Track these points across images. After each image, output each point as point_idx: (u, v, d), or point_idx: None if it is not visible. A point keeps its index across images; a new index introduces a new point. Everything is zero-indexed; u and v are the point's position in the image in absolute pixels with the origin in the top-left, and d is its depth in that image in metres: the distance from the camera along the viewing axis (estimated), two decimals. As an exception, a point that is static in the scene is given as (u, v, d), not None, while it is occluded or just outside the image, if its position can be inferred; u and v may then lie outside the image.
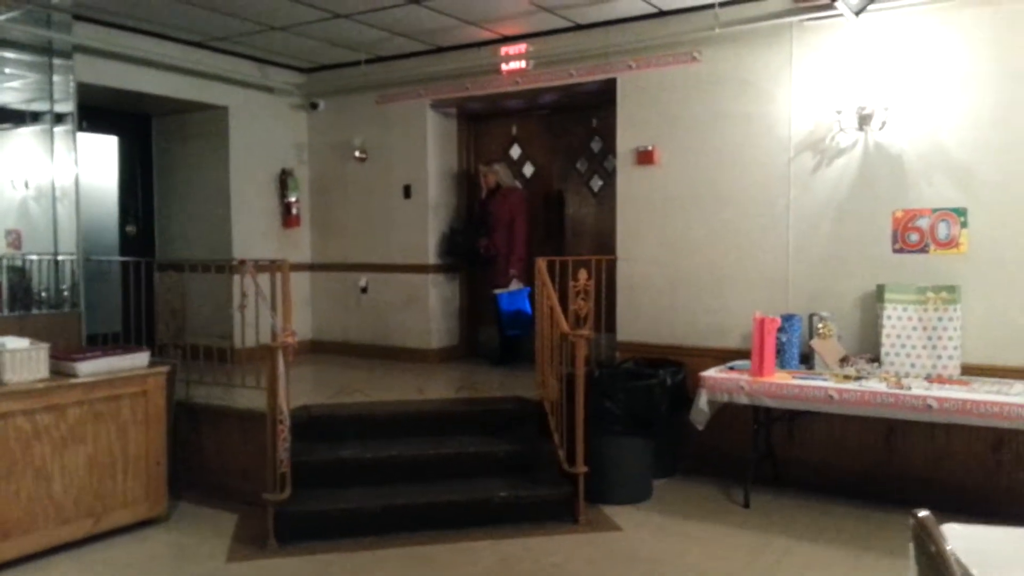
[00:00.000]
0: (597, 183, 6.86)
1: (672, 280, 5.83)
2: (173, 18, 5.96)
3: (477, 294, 7.31)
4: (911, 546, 2.10)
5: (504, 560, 4.18)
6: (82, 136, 5.86)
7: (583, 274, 5.50)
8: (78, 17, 5.74)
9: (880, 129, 5.04)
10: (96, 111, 6.43)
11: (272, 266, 4.93)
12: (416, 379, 6.30)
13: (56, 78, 5.63)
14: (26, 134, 5.64)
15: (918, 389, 4.42)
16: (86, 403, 4.30)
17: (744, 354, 5.24)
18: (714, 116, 5.63)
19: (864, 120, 5.05)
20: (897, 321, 4.92)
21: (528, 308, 6.55)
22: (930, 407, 4.30)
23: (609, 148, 6.50)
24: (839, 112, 5.13)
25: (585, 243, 6.79)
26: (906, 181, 5.02)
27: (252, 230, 7.20)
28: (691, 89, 5.72)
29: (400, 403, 5.53)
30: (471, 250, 6.88)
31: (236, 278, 5.60)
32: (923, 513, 1.80)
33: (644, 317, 5.95)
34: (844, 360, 4.97)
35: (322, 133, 7.67)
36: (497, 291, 6.67)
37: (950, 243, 4.93)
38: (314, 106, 7.58)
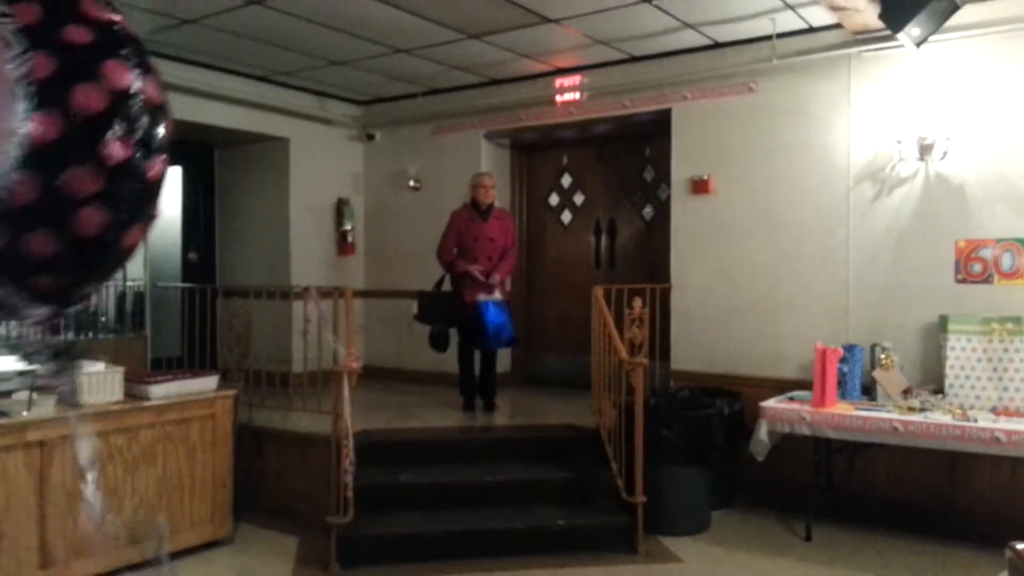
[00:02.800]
0: (649, 212, 6.88)
1: (727, 309, 5.82)
2: (239, 54, 6.18)
3: (529, 322, 7.34)
4: (1000, 580, 2.07)
5: (565, 589, 4.17)
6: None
7: (638, 302, 5.53)
8: (150, 52, 5.95)
9: (941, 159, 5.01)
10: (162, 142, 6.64)
11: (336, 292, 5.02)
12: (470, 405, 6.33)
13: (127, 111, 5.84)
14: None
15: (985, 421, 4.35)
16: (157, 425, 4.42)
17: (802, 384, 5.20)
18: (771, 146, 5.65)
19: (925, 150, 5.03)
20: (961, 352, 4.85)
21: (511, 326, 5.76)
22: (998, 440, 4.23)
23: (662, 177, 6.53)
24: (899, 142, 5.12)
25: (637, 272, 6.79)
26: (968, 211, 4.98)
27: (309, 257, 7.35)
28: (747, 119, 5.75)
29: (455, 429, 5.58)
30: (450, 307, 5.83)
31: (295, 304, 5.73)
32: (1021, 545, 1.78)
33: (699, 345, 5.94)
34: (907, 391, 4.91)
35: (378, 163, 7.82)
36: (482, 298, 5.69)
37: (1014, 274, 4.87)
38: (371, 137, 7.75)
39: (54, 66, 1.22)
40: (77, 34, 1.27)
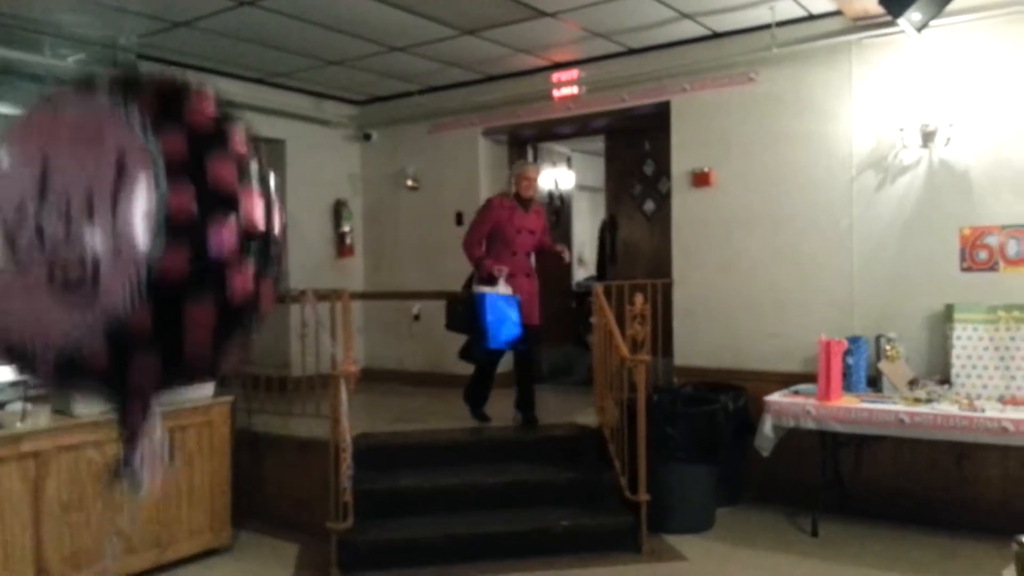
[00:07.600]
0: (650, 206, 6.81)
1: (731, 303, 5.74)
2: (235, 56, 6.12)
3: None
4: (1006, 573, 2.02)
5: (568, 591, 4.11)
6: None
7: (639, 298, 5.46)
8: (143, 56, 5.90)
9: (945, 145, 4.92)
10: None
11: (333, 295, 4.97)
12: (472, 406, 6.26)
13: (122, 117, 5.80)
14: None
15: (992, 411, 4.28)
16: (153, 433, 4.36)
17: (807, 378, 5.12)
18: (772, 136, 5.57)
19: (928, 137, 4.94)
20: (968, 341, 4.76)
21: (519, 324, 5.17)
22: (1006, 430, 4.15)
23: (663, 171, 6.45)
24: (902, 129, 5.03)
25: (639, 267, 6.73)
26: (973, 198, 4.90)
27: (308, 260, 7.27)
28: (748, 110, 5.67)
29: (457, 431, 5.50)
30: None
31: (293, 307, 5.68)
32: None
33: (702, 341, 5.86)
34: (913, 383, 4.83)
35: (375, 164, 7.76)
36: (481, 289, 5.17)
37: (1020, 261, 4.78)
38: (367, 137, 7.69)
39: (192, 202, 1.16)
40: (222, 170, 1.21)
